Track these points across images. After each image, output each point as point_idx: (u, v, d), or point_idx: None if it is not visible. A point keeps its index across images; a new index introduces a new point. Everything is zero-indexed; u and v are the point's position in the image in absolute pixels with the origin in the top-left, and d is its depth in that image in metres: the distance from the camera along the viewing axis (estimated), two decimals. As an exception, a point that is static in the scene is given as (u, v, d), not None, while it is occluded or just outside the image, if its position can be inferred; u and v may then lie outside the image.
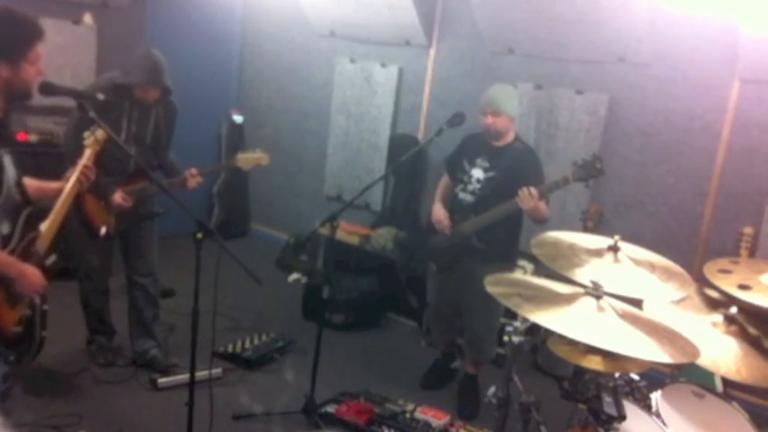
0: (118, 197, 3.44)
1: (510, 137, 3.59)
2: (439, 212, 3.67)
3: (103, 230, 3.51)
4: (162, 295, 3.96)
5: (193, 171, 3.64)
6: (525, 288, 2.26)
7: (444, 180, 3.85)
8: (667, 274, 2.28)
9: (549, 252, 2.36)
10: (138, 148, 3.53)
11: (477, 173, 3.59)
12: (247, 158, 3.82)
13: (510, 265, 3.72)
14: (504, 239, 3.60)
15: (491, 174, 3.55)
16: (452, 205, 3.69)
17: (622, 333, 2.01)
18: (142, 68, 3.42)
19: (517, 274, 2.43)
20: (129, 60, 3.48)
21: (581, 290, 2.17)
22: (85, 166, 2.56)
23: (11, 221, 2.31)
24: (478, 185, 3.58)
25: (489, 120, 3.50)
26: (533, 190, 3.30)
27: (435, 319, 3.93)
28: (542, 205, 3.39)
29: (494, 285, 2.27)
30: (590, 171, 3.33)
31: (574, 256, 2.32)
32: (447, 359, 4.02)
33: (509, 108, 3.52)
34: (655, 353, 1.94)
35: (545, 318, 2.01)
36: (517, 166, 3.50)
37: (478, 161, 3.60)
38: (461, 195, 3.63)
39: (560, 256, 2.32)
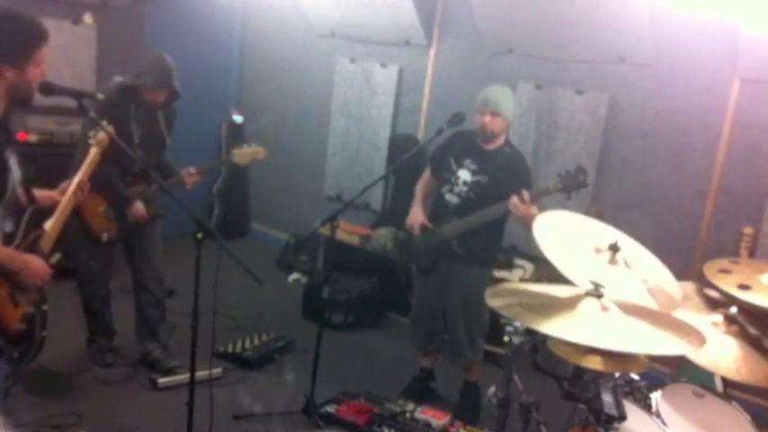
0: (140, 208, 3.49)
1: (501, 140, 3.51)
2: (414, 216, 3.63)
3: (105, 237, 3.52)
4: (163, 295, 3.96)
5: (191, 170, 3.65)
6: (525, 297, 2.24)
7: (425, 176, 3.77)
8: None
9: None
10: (146, 151, 3.54)
11: (465, 175, 3.51)
12: (243, 153, 3.78)
13: (489, 270, 3.66)
14: (485, 245, 3.54)
15: (479, 177, 3.48)
16: (437, 205, 3.63)
17: (629, 329, 2.00)
18: (155, 71, 3.44)
19: (516, 283, 2.41)
20: (141, 63, 3.50)
21: (581, 292, 2.17)
22: (81, 182, 2.60)
23: (14, 220, 2.32)
24: (465, 188, 3.50)
25: (487, 119, 3.40)
26: (525, 195, 3.22)
27: (417, 321, 3.86)
28: (535, 211, 3.26)
29: (493, 298, 2.25)
30: (572, 183, 3.23)
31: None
32: (427, 377, 3.94)
33: (507, 110, 3.44)
34: (664, 344, 1.93)
35: (549, 325, 1.99)
36: (507, 171, 3.43)
37: (466, 162, 3.52)
38: (448, 197, 3.56)
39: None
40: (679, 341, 1.96)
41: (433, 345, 3.87)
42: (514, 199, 3.24)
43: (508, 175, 3.42)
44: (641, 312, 2.09)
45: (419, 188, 3.78)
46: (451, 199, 3.54)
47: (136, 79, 3.46)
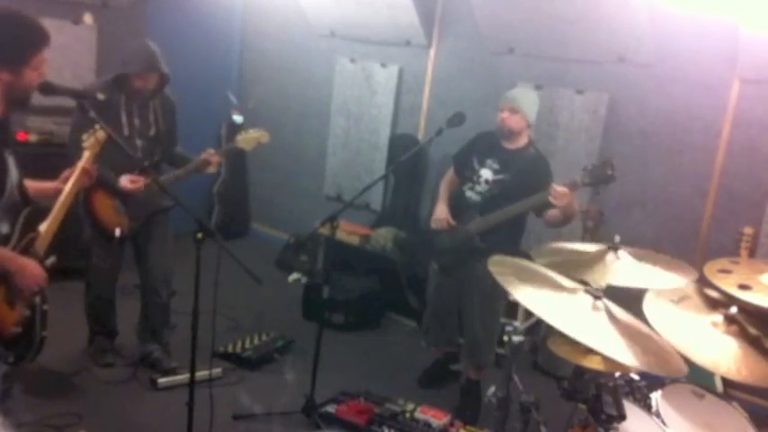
0: (125, 181, 3.39)
1: (523, 141, 3.54)
2: (441, 212, 3.63)
3: (118, 232, 3.49)
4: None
5: (210, 150, 3.59)
6: (525, 273, 2.26)
7: (449, 175, 3.79)
8: (669, 264, 2.30)
9: (552, 260, 2.36)
10: (142, 142, 3.52)
11: (487, 173, 3.54)
12: (247, 139, 3.68)
13: None
14: (507, 241, 3.54)
15: (500, 176, 3.51)
16: (458, 203, 3.65)
17: (608, 335, 2.00)
18: (140, 57, 3.39)
19: (523, 261, 2.42)
20: (125, 52, 3.46)
21: (580, 285, 2.17)
22: (84, 168, 2.55)
23: (10, 222, 2.31)
24: (486, 186, 3.53)
25: (505, 114, 3.46)
26: (563, 187, 3.17)
27: (433, 319, 3.89)
28: (576, 202, 3.29)
29: (494, 264, 2.27)
30: (599, 177, 3.19)
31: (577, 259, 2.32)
32: (448, 359, 4.00)
33: (527, 110, 3.47)
34: (630, 361, 1.94)
35: (536, 303, 2.01)
36: (528, 172, 3.45)
37: (489, 161, 3.55)
38: (468, 194, 3.59)
39: (564, 262, 2.33)
40: (656, 366, 1.97)
41: (446, 342, 3.91)
42: (554, 190, 3.17)
43: (530, 175, 3.44)
44: (626, 328, 2.09)
45: (443, 187, 3.79)
46: (472, 197, 3.57)
47: (122, 68, 3.41)
